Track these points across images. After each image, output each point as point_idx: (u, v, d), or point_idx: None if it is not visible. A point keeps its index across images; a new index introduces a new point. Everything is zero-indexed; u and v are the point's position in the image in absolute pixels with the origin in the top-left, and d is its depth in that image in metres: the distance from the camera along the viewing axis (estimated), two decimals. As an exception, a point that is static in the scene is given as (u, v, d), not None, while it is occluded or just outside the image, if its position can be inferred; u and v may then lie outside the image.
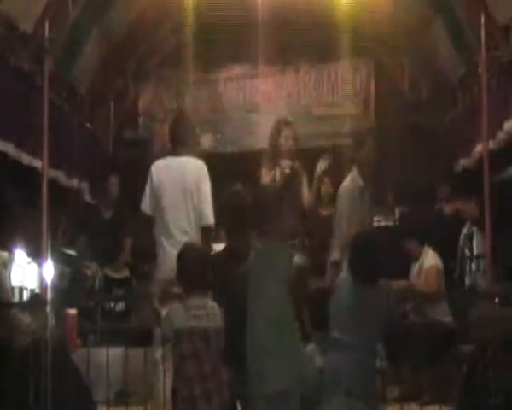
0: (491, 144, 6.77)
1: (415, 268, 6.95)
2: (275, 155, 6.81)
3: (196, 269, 4.78)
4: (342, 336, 4.68)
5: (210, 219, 5.57)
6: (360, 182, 6.53)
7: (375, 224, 8.46)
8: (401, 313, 6.66)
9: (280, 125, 6.85)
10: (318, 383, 4.63)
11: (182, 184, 5.59)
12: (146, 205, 5.68)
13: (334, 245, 6.58)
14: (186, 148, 5.76)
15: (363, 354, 4.64)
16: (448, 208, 7.66)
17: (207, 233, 5.61)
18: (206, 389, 4.53)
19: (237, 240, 5.25)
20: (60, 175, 7.87)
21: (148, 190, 5.67)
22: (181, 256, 4.91)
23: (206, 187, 5.62)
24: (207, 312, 4.66)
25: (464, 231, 7.48)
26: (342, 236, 6.34)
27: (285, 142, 6.71)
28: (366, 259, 4.83)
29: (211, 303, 4.72)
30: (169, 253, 5.40)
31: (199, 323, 4.62)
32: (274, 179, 6.85)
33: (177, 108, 9.44)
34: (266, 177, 6.79)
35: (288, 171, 6.75)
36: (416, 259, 6.94)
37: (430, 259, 6.86)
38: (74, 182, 8.40)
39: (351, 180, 6.59)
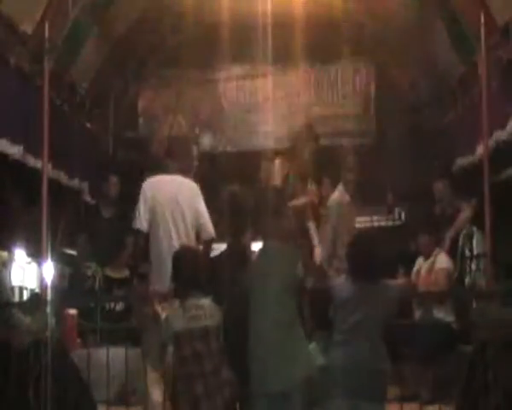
0: (491, 144, 6.76)
1: (423, 266, 7.00)
2: (293, 159, 6.96)
3: (192, 270, 4.82)
4: (345, 337, 4.68)
5: (212, 232, 5.79)
6: (347, 197, 7.02)
7: (375, 224, 8.48)
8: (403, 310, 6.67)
9: (311, 135, 7.00)
10: (319, 382, 4.64)
11: (175, 202, 5.75)
12: (141, 223, 5.75)
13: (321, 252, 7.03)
14: (180, 166, 5.99)
15: (367, 354, 4.65)
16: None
17: (209, 244, 5.84)
18: (207, 387, 4.54)
19: (237, 240, 5.26)
20: (60, 175, 7.86)
21: (141, 207, 5.77)
22: (176, 258, 4.94)
23: (202, 205, 5.82)
24: (205, 312, 4.68)
25: (464, 230, 7.47)
26: (328, 245, 6.91)
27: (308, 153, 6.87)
28: (366, 258, 4.84)
29: (208, 303, 4.74)
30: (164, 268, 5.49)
31: (198, 323, 4.63)
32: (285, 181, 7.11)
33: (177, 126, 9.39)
34: (277, 176, 6.98)
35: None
36: (427, 256, 7.01)
37: (442, 261, 6.94)
38: (74, 182, 8.39)
39: (339, 194, 7.08)
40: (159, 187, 5.85)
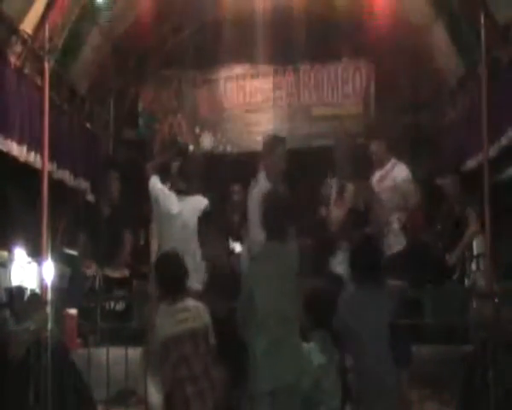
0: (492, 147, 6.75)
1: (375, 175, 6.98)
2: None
3: (175, 275, 4.92)
4: (356, 339, 4.72)
5: None
6: (268, 185, 6.30)
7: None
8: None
9: (275, 142, 6.73)
10: (318, 380, 4.66)
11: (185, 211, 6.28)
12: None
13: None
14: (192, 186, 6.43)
15: (377, 356, 4.69)
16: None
17: None
18: (198, 389, 4.57)
19: None
20: (60, 175, 7.87)
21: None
22: (158, 265, 5.04)
23: None
24: (192, 313, 4.73)
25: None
26: (252, 234, 6.29)
27: (278, 161, 6.56)
28: (368, 261, 4.86)
29: (193, 304, 4.80)
30: None
31: (185, 326, 4.68)
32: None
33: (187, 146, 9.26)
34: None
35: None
36: (379, 166, 7.09)
37: (401, 171, 6.93)
38: (75, 182, 8.40)
39: (258, 183, 6.45)
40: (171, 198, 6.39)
